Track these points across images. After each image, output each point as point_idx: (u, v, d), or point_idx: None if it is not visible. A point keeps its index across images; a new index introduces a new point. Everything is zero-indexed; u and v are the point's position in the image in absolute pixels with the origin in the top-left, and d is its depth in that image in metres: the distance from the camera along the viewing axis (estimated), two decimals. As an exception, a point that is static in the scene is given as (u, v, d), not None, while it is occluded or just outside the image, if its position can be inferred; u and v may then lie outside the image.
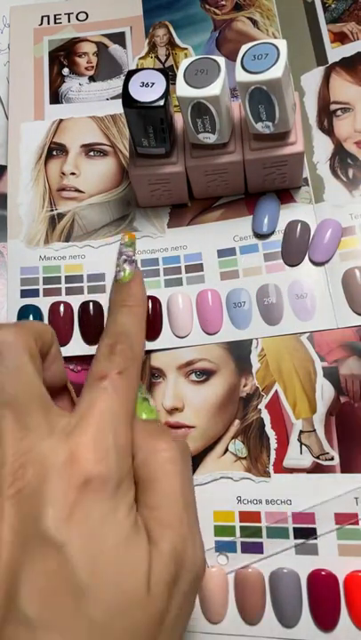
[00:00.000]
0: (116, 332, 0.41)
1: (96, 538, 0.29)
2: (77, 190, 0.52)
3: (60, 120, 0.54)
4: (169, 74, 0.49)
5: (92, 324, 0.48)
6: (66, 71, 0.56)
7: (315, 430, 0.43)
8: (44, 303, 0.49)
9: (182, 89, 0.41)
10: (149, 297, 0.47)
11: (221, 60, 0.41)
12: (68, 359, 0.48)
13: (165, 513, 0.32)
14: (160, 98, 0.41)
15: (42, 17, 0.58)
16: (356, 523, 0.40)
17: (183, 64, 0.41)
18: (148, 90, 0.41)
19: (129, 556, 0.29)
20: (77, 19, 0.57)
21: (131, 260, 0.46)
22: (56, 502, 0.29)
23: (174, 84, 0.41)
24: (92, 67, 0.56)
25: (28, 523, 0.29)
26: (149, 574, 0.29)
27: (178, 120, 0.45)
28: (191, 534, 0.32)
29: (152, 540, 0.31)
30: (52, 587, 0.28)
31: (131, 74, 0.42)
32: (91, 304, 0.48)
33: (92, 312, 0.48)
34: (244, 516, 0.42)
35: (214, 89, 0.40)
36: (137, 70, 0.42)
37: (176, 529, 0.32)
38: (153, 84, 0.41)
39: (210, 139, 0.43)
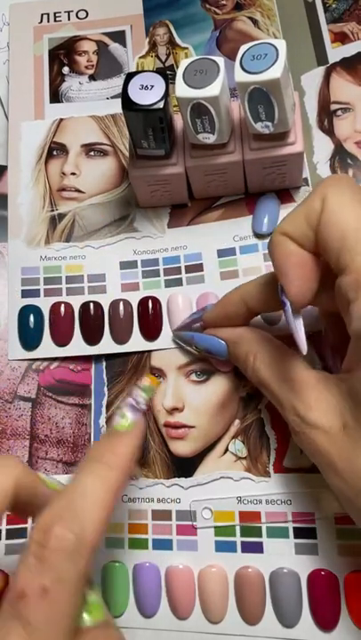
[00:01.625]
0: (65, 502, 0.31)
1: None
2: (78, 190, 0.52)
3: (61, 119, 0.54)
4: (169, 73, 0.49)
5: (93, 325, 0.48)
6: (66, 70, 0.56)
7: (315, 430, 0.43)
8: (44, 303, 0.49)
9: (182, 89, 0.41)
10: (149, 297, 0.47)
11: (221, 60, 0.41)
12: (69, 359, 0.48)
13: None
14: (159, 100, 0.41)
15: (41, 15, 0.58)
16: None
17: (182, 64, 0.41)
18: (147, 92, 0.41)
19: None
20: (77, 17, 0.57)
21: (138, 407, 0.37)
22: None
23: (174, 83, 0.41)
24: (93, 65, 0.56)
25: None
26: None
27: (177, 121, 0.45)
28: None
29: None
30: None
31: (130, 76, 0.42)
32: (91, 304, 0.48)
33: (92, 312, 0.48)
34: (244, 515, 0.42)
35: (213, 89, 0.40)
36: (136, 72, 0.42)
37: None
38: (152, 86, 0.41)
39: (209, 139, 0.43)
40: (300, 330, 0.36)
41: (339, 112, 0.49)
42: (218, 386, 0.45)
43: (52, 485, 0.35)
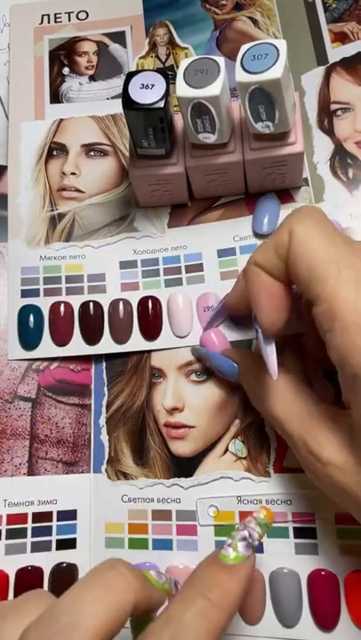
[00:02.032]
0: (167, 638, 0.30)
1: None
2: (78, 190, 0.52)
3: (61, 120, 0.54)
4: (169, 74, 0.49)
5: (93, 324, 0.48)
6: (66, 70, 0.56)
7: (315, 430, 0.43)
8: (44, 303, 0.49)
9: (182, 89, 0.41)
10: (149, 297, 0.47)
11: (221, 60, 0.41)
12: (68, 359, 0.48)
13: None
14: (160, 99, 0.41)
15: (42, 16, 0.58)
16: (356, 522, 0.40)
17: (183, 64, 0.41)
18: (147, 91, 0.41)
19: None
20: (78, 18, 0.57)
21: (251, 543, 0.35)
22: None
23: (174, 83, 0.41)
24: (93, 66, 0.56)
25: None
26: None
27: (178, 120, 0.46)
28: None
29: None
30: None
31: (131, 75, 0.42)
32: (91, 304, 0.48)
33: (92, 312, 0.48)
34: (244, 516, 0.42)
35: (214, 89, 0.40)
36: (137, 72, 0.42)
37: None
38: (153, 85, 0.41)
39: (210, 139, 0.43)
40: (270, 355, 0.36)
41: (339, 112, 0.49)
42: (218, 386, 0.45)
43: (160, 586, 0.35)
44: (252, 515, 0.36)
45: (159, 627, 0.31)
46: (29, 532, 0.44)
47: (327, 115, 0.49)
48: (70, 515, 0.45)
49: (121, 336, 0.47)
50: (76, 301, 0.48)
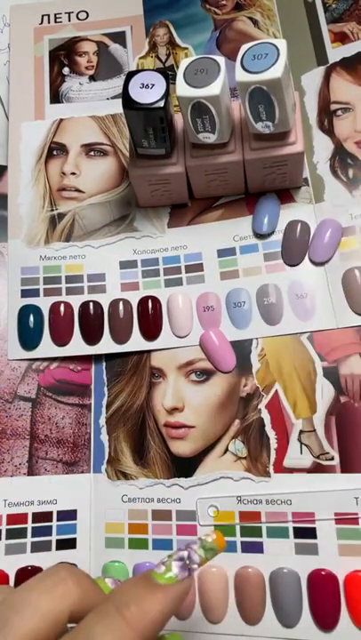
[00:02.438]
0: None
1: None
2: (78, 190, 0.52)
3: (61, 120, 0.54)
4: (169, 73, 0.49)
5: (93, 324, 0.48)
6: (66, 70, 0.56)
7: (315, 430, 0.43)
8: (44, 303, 0.49)
9: (182, 89, 0.41)
10: (149, 297, 0.47)
11: (221, 59, 0.41)
12: (68, 359, 0.48)
13: None
14: (160, 99, 0.41)
15: (42, 16, 0.58)
16: (356, 522, 0.40)
17: (183, 64, 0.41)
18: (148, 91, 0.41)
19: None
20: (78, 18, 0.57)
21: (189, 566, 0.30)
22: None
23: (174, 83, 0.41)
24: (93, 66, 0.56)
25: None
26: None
27: (178, 120, 0.46)
28: None
29: None
30: None
31: (131, 75, 0.42)
32: (91, 304, 0.48)
33: (92, 312, 0.48)
34: (244, 515, 0.42)
35: (214, 89, 0.40)
36: (137, 71, 0.42)
37: None
38: (153, 85, 0.41)
39: (210, 138, 0.43)
40: None
41: (339, 112, 0.49)
42: (218, 386, 0.45)
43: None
44: (200, 537, 0.32)
45: (69, 636, 0.28)
46: (29, 532, 0.44)
47: (327, 115, 0.49)
48: (70, 515, 0.45)
49: (121, 336, 0.47)
50: (75, 301, 0.48)
